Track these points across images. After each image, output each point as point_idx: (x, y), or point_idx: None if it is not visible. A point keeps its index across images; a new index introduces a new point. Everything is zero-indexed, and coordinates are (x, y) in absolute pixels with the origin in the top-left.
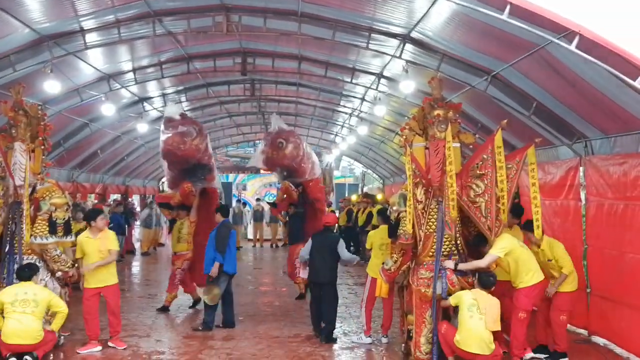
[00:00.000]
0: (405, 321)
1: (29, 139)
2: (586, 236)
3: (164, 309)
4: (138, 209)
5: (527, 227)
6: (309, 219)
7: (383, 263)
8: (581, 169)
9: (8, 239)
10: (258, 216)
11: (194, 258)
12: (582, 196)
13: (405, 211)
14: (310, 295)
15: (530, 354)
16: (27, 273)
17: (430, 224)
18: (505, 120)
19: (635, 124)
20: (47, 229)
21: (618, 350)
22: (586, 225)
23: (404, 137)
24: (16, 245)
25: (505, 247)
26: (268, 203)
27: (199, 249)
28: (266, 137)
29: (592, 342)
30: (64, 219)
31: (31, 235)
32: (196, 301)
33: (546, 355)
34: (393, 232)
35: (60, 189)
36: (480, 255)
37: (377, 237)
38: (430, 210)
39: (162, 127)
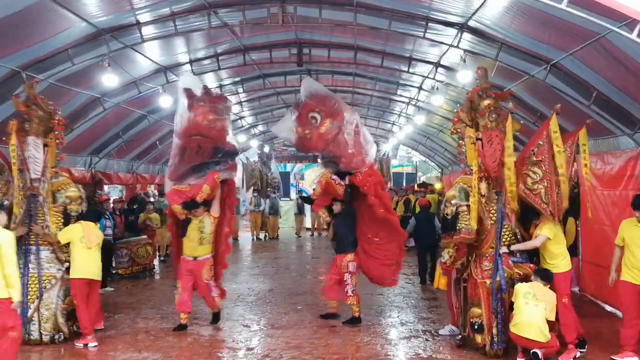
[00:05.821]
0: (468, 314)
1: (42, 133)
2: None
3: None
4: None
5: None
6: (363, 219)
7: (439, 257)
8: None
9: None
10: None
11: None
12: None
13: (467, 206)
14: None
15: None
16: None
17: (491, 215)
18: (559, 105)
19: None
20: (62, 220)
21: None
22: None
23: (461, 131)
24: (32, 236)
25: (553, 230)
26: (301, 198)
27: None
28: (294, 109)
29: None
30: (78, 212)
31: (46, 225)
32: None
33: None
34: (451, 227)
35: (74, 182)
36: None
37: None
38: (490, 202)
39: (185, 100)
